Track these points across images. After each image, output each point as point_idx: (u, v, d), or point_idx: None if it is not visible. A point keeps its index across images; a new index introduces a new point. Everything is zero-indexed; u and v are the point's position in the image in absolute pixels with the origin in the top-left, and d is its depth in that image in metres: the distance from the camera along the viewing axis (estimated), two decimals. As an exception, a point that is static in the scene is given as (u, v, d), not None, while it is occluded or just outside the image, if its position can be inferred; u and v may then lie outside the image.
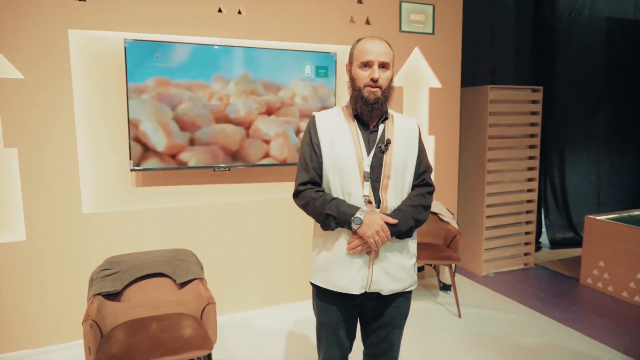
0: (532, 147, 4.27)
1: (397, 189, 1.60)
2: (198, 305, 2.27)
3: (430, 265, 3.80)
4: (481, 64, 4.52)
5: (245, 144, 3.16)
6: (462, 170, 4.26)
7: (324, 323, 1.71)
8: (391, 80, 1.60)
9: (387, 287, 1.60)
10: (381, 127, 1.62)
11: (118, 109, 2.93)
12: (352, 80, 1.60)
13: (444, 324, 3.10)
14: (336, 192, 1.59)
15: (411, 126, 1.68)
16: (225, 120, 3.08)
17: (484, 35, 4.48)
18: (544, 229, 5.11)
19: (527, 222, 4.36)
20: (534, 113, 4.22)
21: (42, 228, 2.75)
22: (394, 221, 1.53)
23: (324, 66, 3.27)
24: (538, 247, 4.93)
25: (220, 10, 3.05)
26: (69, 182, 2.79)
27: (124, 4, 2.80)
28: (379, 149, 1.58)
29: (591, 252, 3.85)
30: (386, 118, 1.64)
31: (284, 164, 3.26)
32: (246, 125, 3.14)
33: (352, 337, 1.76)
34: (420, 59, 3.69)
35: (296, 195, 1.64)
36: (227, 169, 3.18)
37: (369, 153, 1.58)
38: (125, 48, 2.78)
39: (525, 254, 4.39)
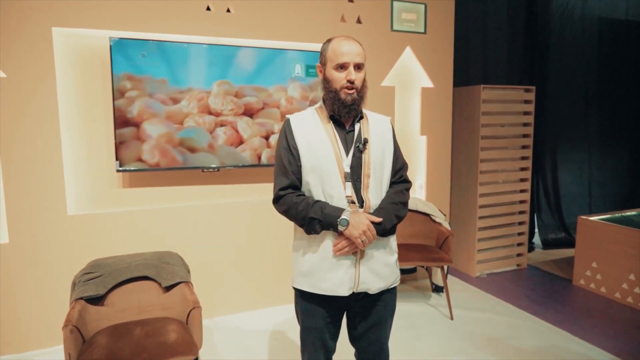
0: (524, 147, 4.25)
1: (377, 187, 1.60)
2: (183, 309, 2.22)
3: (423, 266, 3.77)
4: (473, 63, 4.49)
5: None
6: (455, 170, 4.23)
7: (309, 328, 1.68)
8: (364, 80, 1.60)
9: (374, 285, 1.60)
10: (357, 126, 1.62)
11: (104, 109, 2.87)
12: (327, 82, 1.58)
13: (435, 326, 3.07)
14: (317, 194, 1.57)
15: (385, 124, 1.69)
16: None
17: (476, 35, 4.46)
18: (536, 230, 5.09)
19: (520, 223, 4.33)
20: (526, 113, 4.19)
21: (26, 230, 2.69)
22: (378, 220, 1.53)
23: (314, 66, 3.23)
24: (531, 247, 4.91)
25: (208, 9, 3.00)
26: (53, 183, 2.72)
27: (108, 1, 2.74)
28: (357, 149, 1.58)
29: (584, 253, 3.84)
30: (361, 117, 1.64)
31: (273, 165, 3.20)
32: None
33: (336, 339, 1.75)
34: (412, 58, 3.65)
35: (276, 200, 1.61)
36: (216, 169, 3.12)
37: (347, 153, 1.58)
38: (110, 46, 2.72)
39: (518, 255, 4.37)
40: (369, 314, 1.68)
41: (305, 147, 1.57)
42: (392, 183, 1.67)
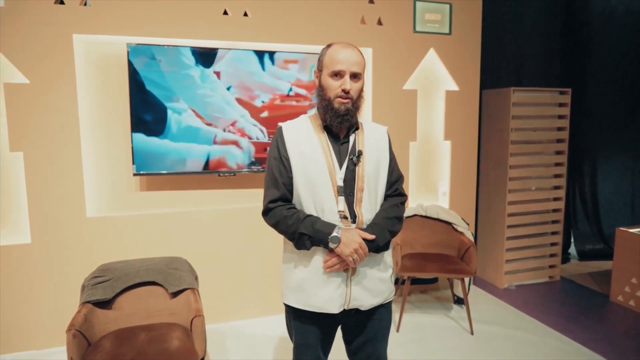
0: (559, 152, 4.01)
1: (371, 200, 1.55)
2: (188, 315, 2.21)
3: (445, 276, 3.62)
4: (505, 64, 4.28)
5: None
6: (483, 177, 4.06)
7: (302, 344, 1.63)
8: (361, 90, 1.52)
9: (366, 302, 1.56)
10: (352, 137, 1.56)
11: (121, 113, 2.92)
12: (322, 89, 1.51)
13: (454, 340, 2.93)
14: (308, 208, 1.50)
15: (381, 135, 1.63)
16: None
17: (508, 34, 4.24)
18: (572, 240, 4.80)
19: (553, 233, 4.10)
20: (561, 117, 3.96)
21: (47, 231, 2.77)
22: (371, 237, 1.48)
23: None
24: (566, 258, 4.64)
25: (225, 13, 2.99)
26: (73, 186, 2.80)
27: (127, 8, 2.78)
28: (351, 161, 1.51)
29: (623, 267, 3.57)
30: (357, 128, 1.57)
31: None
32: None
33: (328, 354, 1.71)
34: (436, 60, 3.52)
35: (266, 213, 1.55)
36: (232, 174, 3.12)
37: (341, 166, 1.52)
38: (128, 52, 2.76)
39: (551, 266, 4.13)
40: (363, 329, 1.63)
41: (297, 158, 1.50)
42: (387, 196, 1.61)
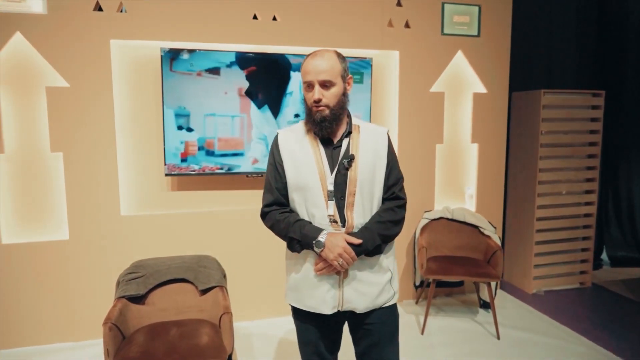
0: (591, 156, 3.92)
1: (365, 204, 1.55)
2: (217, 313, 2.28)
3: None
4: (536, 66, 4.20)
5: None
6: (511, 180, 4.00)
7: (303, 341, 1.70)
8: (342, 94, 1.53)
9: (360, 305, 1.57)
10: (345, 141, 1.57)
11: (154, 115, 3.02)
12: (304, 98, 1.57)
13: (479, 345, 2.91)
14: (301, 212, 1.56)
15: (379, 137, 1.61)
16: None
17: (539, 36, 4.17)
18: (604, 246, 4.67)
19: (585, 238, 4.00)
20: (594, 119, 3.87)
21: (84, 228, 2.90)
22: (357, 241, 1.48)
23: (359, 72, 3.19)
24: (598, 264, 4.52)
25: (255, 17, 3.06)
26: (108, 185, 2.92)
27: (161, 14, 2.88)
28: (342, 166, 1.53)
29: (657, 274, 3.46)
30: (350, 132, 1.58)
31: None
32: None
33: (335, 350, 1.75)
34: (464, 62, 3.49)
35: (262, 216, 1.63)
36: (260, 175, 3.18)
37: (332, 170, 1.53)
38: (161, 57, 2.86)
39: (582, 272, 4.04)
40: (368, 333, 1.63)
41: (290, 164, 1.55)
42: (385, 199, 1.60)
